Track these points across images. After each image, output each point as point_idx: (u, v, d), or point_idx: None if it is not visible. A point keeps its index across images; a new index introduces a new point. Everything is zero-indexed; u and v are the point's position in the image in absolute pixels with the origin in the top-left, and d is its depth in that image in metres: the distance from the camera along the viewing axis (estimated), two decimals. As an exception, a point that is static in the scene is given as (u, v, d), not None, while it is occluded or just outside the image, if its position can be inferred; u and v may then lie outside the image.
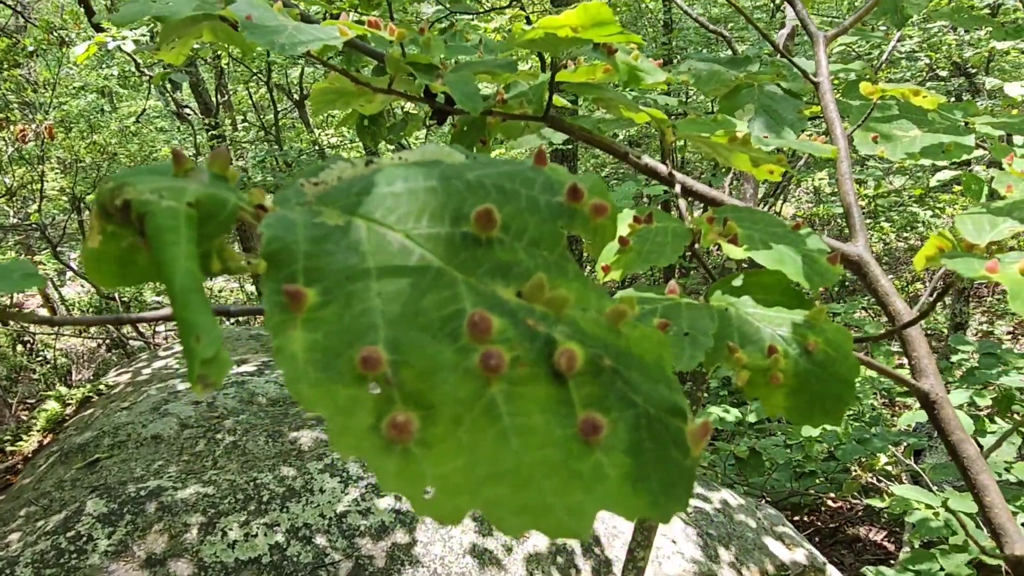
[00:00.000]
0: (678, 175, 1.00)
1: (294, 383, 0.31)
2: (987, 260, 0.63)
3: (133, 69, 7.92)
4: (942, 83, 7.07)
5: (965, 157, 1.38)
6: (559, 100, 1.31)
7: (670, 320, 0.65)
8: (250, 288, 9.24)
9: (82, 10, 7.15)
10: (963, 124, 1.43)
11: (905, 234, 8.76)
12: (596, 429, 0.32)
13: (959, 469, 1.03)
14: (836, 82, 1.84)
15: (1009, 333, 8.21)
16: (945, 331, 6.76)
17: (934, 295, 0.77)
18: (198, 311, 0.29)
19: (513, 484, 0.30)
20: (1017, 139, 1.36)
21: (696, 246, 0.83)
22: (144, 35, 3.54)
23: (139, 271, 0.39)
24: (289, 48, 0.75)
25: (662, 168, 1.08)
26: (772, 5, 7.35)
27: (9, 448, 3.96)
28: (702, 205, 1.22)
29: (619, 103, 1.03)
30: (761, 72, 1.61)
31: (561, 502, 0.30)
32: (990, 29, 5.31)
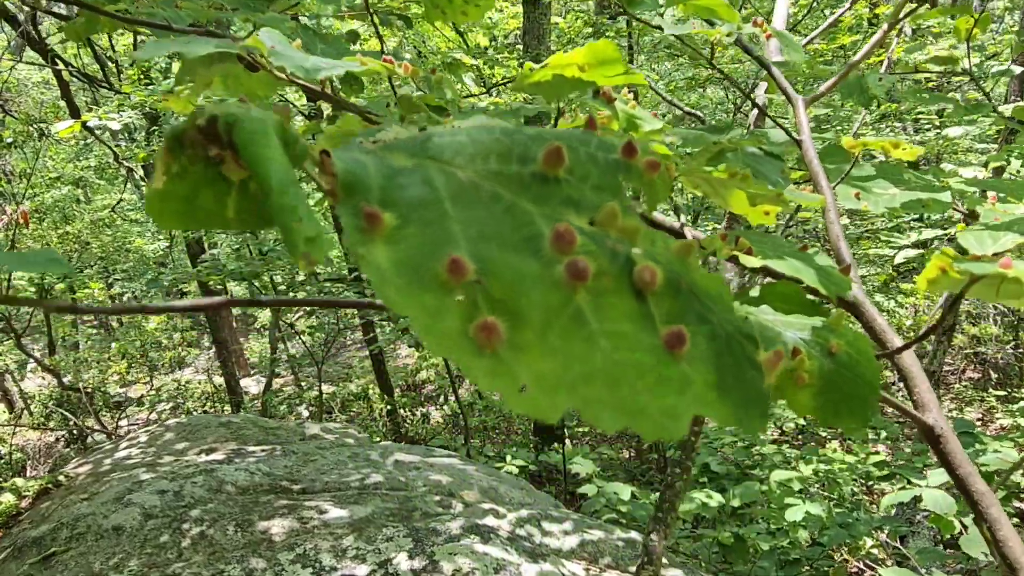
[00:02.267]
0: (688, 229, 1.03)
1: (381, 287, 0.31)
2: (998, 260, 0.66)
3: (111, 160, 7.98)
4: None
5: (927, 236, 1.44)
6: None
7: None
8: (218, 380, 9.03)
9: (63, 103, 7.28)
10: (937, 183, 1.51)
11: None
12: (681, 341, 0.32)
13: (969, 504, 1.02)
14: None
15: (978, 419, 8.31)
16: (918, 415, 6.82)
17: (941, 313, 0.78)
18: (296, 197, 0.29)
19: (606, 383, 0.30)
20: (990, 194, 1.43)
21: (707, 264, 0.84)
22: (130, 118, 3.61)
23: (203, 213, 0.38)
24: (313, 72, 0.77)
25: (667, 220, 1.11)
26: (738, 96, 7.76)
27: (-43, 543, 3.71)
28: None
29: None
30: (742, 138, 1.68)
31: (655, 403, 0.30)
32: (949, 110, 5.62)
